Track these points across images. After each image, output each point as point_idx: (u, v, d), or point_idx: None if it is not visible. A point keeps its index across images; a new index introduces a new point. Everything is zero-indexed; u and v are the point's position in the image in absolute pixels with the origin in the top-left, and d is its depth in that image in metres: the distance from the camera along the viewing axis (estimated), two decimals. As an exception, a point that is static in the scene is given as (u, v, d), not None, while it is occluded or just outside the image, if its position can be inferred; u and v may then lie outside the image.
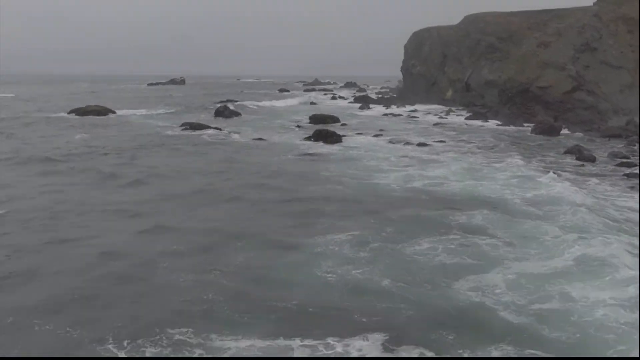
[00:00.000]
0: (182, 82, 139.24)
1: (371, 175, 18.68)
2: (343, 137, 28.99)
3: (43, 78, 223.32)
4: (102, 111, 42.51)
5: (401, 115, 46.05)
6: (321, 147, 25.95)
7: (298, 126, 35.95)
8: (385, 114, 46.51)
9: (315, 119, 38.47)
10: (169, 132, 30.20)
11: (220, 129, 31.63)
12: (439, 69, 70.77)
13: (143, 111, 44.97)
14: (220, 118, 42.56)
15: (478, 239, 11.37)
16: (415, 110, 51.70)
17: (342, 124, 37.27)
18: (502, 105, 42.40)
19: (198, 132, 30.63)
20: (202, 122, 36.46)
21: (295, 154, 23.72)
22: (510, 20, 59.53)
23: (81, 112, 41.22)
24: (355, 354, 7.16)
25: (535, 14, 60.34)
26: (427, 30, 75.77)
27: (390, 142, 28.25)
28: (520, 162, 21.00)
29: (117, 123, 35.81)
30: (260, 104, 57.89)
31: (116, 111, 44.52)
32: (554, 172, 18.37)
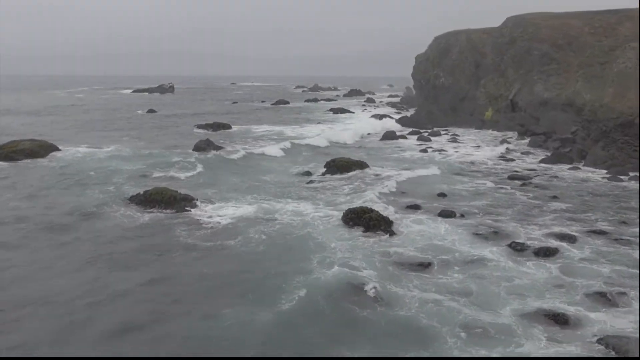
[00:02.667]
0: (170, 89, 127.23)
1: None
2: (393, 222, 17.32)
3: (37, 82, 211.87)
4: (37, 151, 30.63)
5: (445, 151, 34.35)
6: (358, 254, 14.33)
7: (311, 182, 24.35)
8: (424, 150, 34.75)
9: (335, 166, 26.77)
10: (100, 222, 17.86)
11: (192, 200, 19.78)
12: (471, 81, 59.12)
13: (97, 149, 33.11)
14: (200, 156, 30.99)
15: None
16: (456, 139, 40.04)
17: (376, 176, 25.65)
18: (589, 142, 30.73)
19: (152, 213, 18.78)
20: (170, 177, 24.80)
21: (306, 300, 11.90)
22: (568, 23, 47.96)
23: (4, 154, 29.32)
24: None
25: (596, 15, 48.67)
26: (454, 34, 64.06)
27: (476, 236, 16.52)
28: None
29: (39, 179, 24.01)
30: (257, 129, 46.11)
31: (61, 148, 32.77)
32: None
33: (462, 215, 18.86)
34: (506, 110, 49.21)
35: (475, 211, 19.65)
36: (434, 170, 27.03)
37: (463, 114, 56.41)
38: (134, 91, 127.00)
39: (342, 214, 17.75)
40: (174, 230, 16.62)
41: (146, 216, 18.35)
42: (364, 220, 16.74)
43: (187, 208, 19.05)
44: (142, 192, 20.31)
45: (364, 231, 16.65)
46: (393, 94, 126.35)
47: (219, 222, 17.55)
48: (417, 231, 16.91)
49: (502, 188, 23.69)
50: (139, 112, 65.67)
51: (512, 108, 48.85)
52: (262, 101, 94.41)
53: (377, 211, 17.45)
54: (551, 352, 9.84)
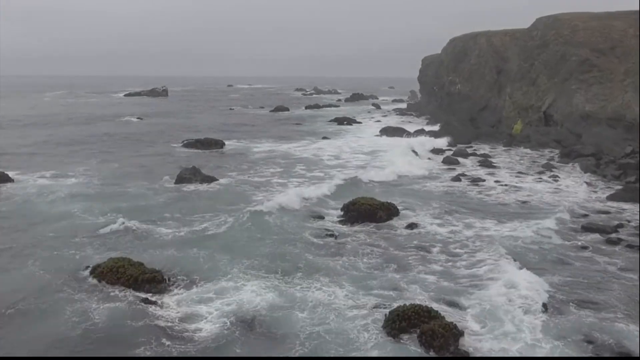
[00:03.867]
0: (164, 92, 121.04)
1: None
2: (463, 332, 11.41)
3: (31, 82, 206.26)
4: (-19, 184, 24.76)
5: (482, 181, 28.48)
6: None
7: (331, 235, 18.45)
8: (456, 179, 28.92)
9: (355, 211, 20.82)
10: (34, 333, 11.89)
11: (160, 282, 13.82)
12: (492, 89, 53.36)
13: (59, 180, 27.24)
14: (184, 189, 25.26)
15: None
16: (489, 162, 34.12)
17: (410, 226, 19.74)
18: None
19: (108, 302, 12.85)
20: (140, 231, 18.83)
21: None
22: (609, 24, 42.06)
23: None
24: None
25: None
26: (473, 36, 58.25)
27: None
28: None
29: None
30: (258, 147, 40.24)
31: (15, 177, 26.98)
32: None
33: (556, 308, 13.01)
34: (538, 124, 43.42)
35: (561, 296, 13.78)
36: (483, 221, 21.08)
37: (483, 125, 50.60)
38: (126, 95, 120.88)
39: (383, 317, 11.85)
40: (126, 352, 10.66)
41: (101, 309, 12.39)
42: (424, 337, 10.78)
43: (151, 298, 13.07)
44: (91, 268, 14.42)
45: (424, 350, 10.78)
46: (397, 98, 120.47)
47: (199, 332, 11.59)
48: (499, 351, 11.01)
49: (580, 248, 17.77)
50: (125, 119, 60.42)
51: (546, 121, 43.04)
52: (261, 107, 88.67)
53: (441, 316, 11.53)
54: None
